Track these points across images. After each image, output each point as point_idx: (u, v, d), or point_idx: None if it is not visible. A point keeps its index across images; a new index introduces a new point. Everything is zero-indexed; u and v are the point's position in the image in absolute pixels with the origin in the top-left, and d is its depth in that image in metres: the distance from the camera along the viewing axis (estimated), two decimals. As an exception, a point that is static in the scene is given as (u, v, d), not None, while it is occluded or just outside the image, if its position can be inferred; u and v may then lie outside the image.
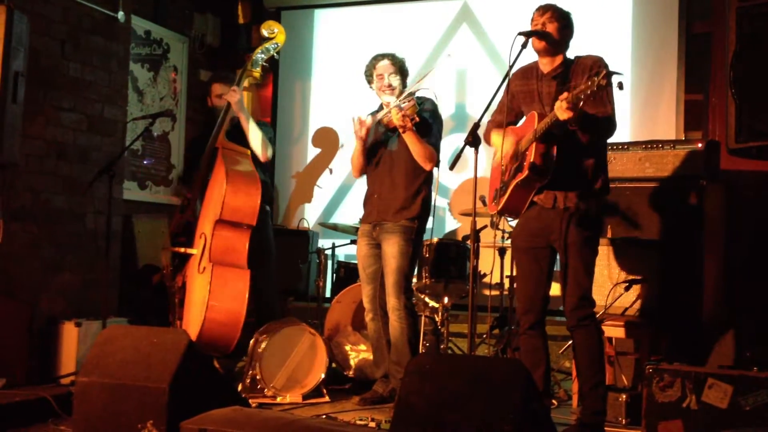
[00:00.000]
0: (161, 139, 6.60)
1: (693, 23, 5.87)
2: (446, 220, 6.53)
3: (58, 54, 4.81)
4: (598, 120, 3.49)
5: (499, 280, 5.31)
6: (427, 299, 5.23)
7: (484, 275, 5.56)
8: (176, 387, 2.98)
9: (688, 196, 4.39)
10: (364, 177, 4.58)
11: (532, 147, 3.49)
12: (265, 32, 4.79)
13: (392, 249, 4.27)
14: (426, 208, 4.39)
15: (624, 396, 3.97)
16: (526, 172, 3.51)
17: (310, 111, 7.14)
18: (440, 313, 5.05)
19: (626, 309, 4.27)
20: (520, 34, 3.54)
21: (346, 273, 5.77)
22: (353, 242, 5.49)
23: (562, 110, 3.30)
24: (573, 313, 3.57)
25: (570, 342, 4.64)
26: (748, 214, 4.67)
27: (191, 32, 6.90)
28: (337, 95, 6.88)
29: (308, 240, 6.17)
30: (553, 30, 3.59)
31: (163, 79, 6.61)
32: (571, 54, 3.68)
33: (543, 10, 3.65)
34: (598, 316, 3.94)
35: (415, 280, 4.97)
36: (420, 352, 4.54)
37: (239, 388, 4.29)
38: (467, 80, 6.60)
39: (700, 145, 4.46)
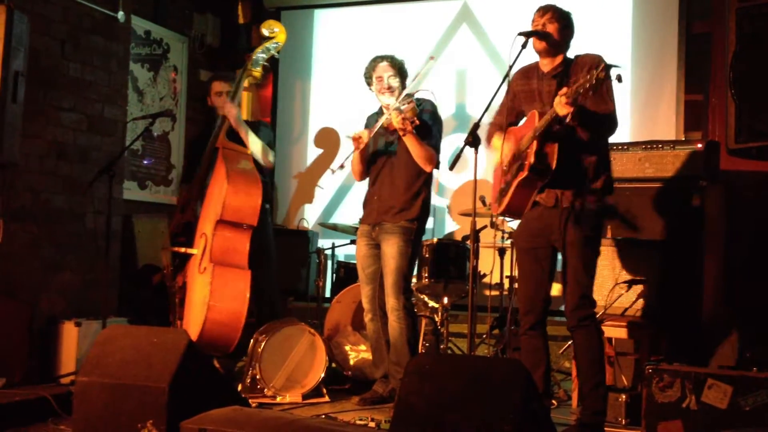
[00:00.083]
0: (161, 139, 6.60)
1: (693, 23, 5.87)
2: (446, 220, 6.53)
3: (58, 54, 4.81)
4: (598, 116, 3.49)
5: (498, 281, 5.31)
6: (426, 299, 5.24)
7: (484, 275, 5.56)
8: (176, 387, 2.98)
9: (688, 197, 4.39)
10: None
11: (533, 146, 3.49)
12: (265, 32, 4.78)
13: (391, 249, 4.27)
14: (426, 210, 4.39)
15: (624, 396, 3.97)
16: (526, 172, 3.51)
17: (310, 111, 7.14)
18: (440, 314, 5.05)
19: (626, 309, 4.27)
20: (520, 34, 3.54)
21: (346, 273, 5.78)
22: (353, 242, 5.49)
23: (561, 105, 3.30)
24: (573, 313, 3.57)
25: (570, 342, 4.66)
26: (748, 215, 4.67)
27: (191, 32, 6.90)
28: (337, 95, 6.88)
29: (308, 240, 6.18)
30: (554, 30, 3.59)
31: (163, 79, 6.61)
32: (571, 54, 3.68)
33: (543, 10, 3.65)
34: (597, 316, 3.94)
35: (414, 280, 4.97)
36: (419, 352, 4.54)
37: (239, 388, 4.29)
38: (467, 80, 6.60)
39: (700, 145, 4.46)
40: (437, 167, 4.37)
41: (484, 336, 5.41)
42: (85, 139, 5.00)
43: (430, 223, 4.51)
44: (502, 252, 5.26)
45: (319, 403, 4.33)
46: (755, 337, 4.18)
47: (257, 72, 4.76)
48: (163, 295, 4.74)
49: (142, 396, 2.98)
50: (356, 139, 4.34)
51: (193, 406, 2.96)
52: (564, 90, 3.31)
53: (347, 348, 4.91)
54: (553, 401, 4.38)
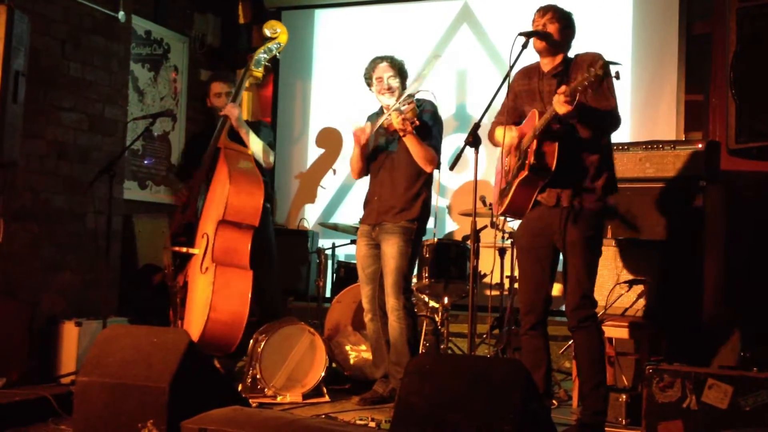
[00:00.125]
0: (161, 139, 6.60)
1: (693, 23, 5.87)
2: (446, 220, 6.53)
3: (58, 54, 4.81)
4: (599, 112, 3.48)
5: (499, 281, 5.31)
6: (427, 299, 5.24)
7: (484, 275, 5.56)
8: (176, 386, 2.97)
9: (689, 197, 4.39)
10: (365, 178, 4.58)
11: (533, 145, 3.49)
12: (267, 32, 4.79)
13: (391, 249, 4.27)
14: (426, 210, 4.39)
15: (624, 396, 3.97)
16: (526, 171, 3.51)
17: (311, 111, 7.14)
18: (440, 314, 5.05)
19: (626, 309, 4.27)
20: (520, 34, 3.54)
21: (346, 273, 5.78)
22: (353, 242, 5.49)
23: (560, 104, 3.30)
24: (574, 313, 3.56)
25: (570, 342, 4.66)
26: (749, 215, 4.67)
27: (192, 32, 6.90)
28: (338, 95, 6.88)
29: (308, 240, 6.18)
30: (554, 31, 3.59)
31: (164, 79, 6.61)
32: (572, 53, 3.68)
33: (544, 11, 3.65)
34: (598, 316, 3.94)
35: (415, 280, 4.97)
36: (420, 352, 4.54)
37: (239, 387, 4.29)
38: (468, 80, 6.60)
39: (700, 145, 4.46)
40: (438, 167, 4.37)
41: (485, 336, 5.41)
42: (85, 139, 5.00)
43: (430, 223, 4.50)
44: (502, 252, 5.26)
45: (320, 403, 4.33)
46: (755, 337, 4.18)
47: (259, 72, 4.78)
48: (163, 295, 4.74)
49: (143, 396, 2.98)
50: (358, 134, 4.34)
51: (194, 406, 2.96)
52: (563, 88, 3.32)
53: (347, 348, 4.92)
54: (554, 401, 4.38)
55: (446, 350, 5.07)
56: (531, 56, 3.71)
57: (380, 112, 4.46)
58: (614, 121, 3.55)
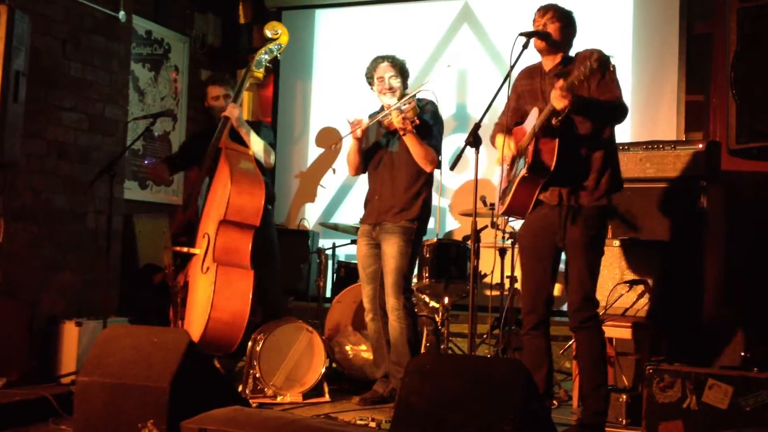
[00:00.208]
0: (162, 139, 6.60)
1: (694, 24, 5.87)
2: (447, 220, 6.53)
3: (59, 54, 4.81)
4: (603, 104, 3.47)
5: (499, 281, 5.31)
6: (427, 299, 5.24)
7: (485, 275, 5.56)
8: (177, 386, 2.97)
9: (689, 197, 4.39)
10: (365, 177, 4.58)
11: (533, 143, 3.48)
12: (268, 33, 4.80)
13: (391, 249, 4.27)
14: (426, 210, 4.39)
15: (624, 396, 3.97)
16: (526, 170, 3.51)
17: (311, 111, 7.15)
18: (440, 314, 5.05)
19: (627, 309, 4.27)
20: (521, 34, 3.54)
21: (347, 273, 5.78)
22: (353, 242, 5.49)
23: (557, 98, 3.30)
24: (575, 314, 3.56)
25: (571, 342, 4.66)
26: (749, 215, 4.67)
27: (192, 32, 6.90)
28: (338, 95, 6.88)
29: (309, 240, 6.18)
30: (555, 30, 3.59)
31: (164, 79, 6.61)
32: (573, 52, 3.68)
33: (544, 10, 3.65)
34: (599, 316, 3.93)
35: (415, 280, 4.97)
36: (420, 352, 4.53)
37: (239, 388, 4.29)
38: (468, 81, 6.60)
39: (700, 145, 4.46)
40: (438, 167, 4.37)
41: (485, 336, 5.41)
42: (86, 139, 5.00)
43: (431, 223, 4.50)
44: (502, 252, 5.26)
45: (320, 402, 4.34)
46: (756, 337, 4.18)
47: (260, 73, 4.78)
48: (164, 294, 4.74)
49: (143, 396, 2.98)
50: (357, 123, 4.34)
51: (194, 406, 2.96)
52: (560, 83, 3.32)
53: (348, 348, 4.92)
54: (554, 401, 4.38)
55: (446, 350, 5.07)
56: (532, 56, 3.70)
57: (381, 112, 4.45)
58: (621, 111, 3.52)
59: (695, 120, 5.83)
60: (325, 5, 7.15)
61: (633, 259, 4.29)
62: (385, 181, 4.39)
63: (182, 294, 4.45)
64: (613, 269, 4.32)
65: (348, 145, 4.52)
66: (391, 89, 4.39)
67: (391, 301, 4.26)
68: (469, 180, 6.32)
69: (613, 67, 3.24)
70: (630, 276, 4.30)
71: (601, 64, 3.19)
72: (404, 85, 4.44)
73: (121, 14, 5.25)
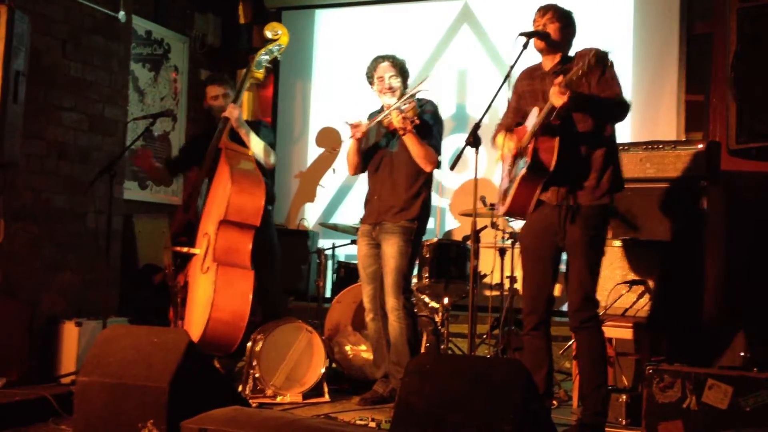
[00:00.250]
0: (162, 139, 6.60)
1: (694, 24, 5.87)
2: (446, 220, 6.53)
3: (59, 54, 4.81)
4: (603, 100, 3.47)
5: (499, 281, 5.31)
6: (427, 299, 5.23)
7: (485, 276, 5.56)
8: (177, 386, 2.98)
9: (689, 197, 4.38)
10: (365, 177, 4.58)
11: (533, 142, 3.48)
12: (268, 34, 4.80)
13: (391, 249, 4.27)
14: (426, 210, 4.39)
15: (624, 396, 3.97)
16: (526, 169, 3.50)
17: (311, 111, 7.15)
18: (440, 314, 5.05)
19: (626, 309, 4.27)
20: (521, 34, 3.54)
21: (347, 273, 5.78)
22: (353, 242, 5.49)
23: (556, 95, 3.30)
24: (576, 314, 3.56)
25: (570, 342, 4.66)
26: (749, 215, 4.67)
27: (192, 32, 6.91)
28: (338, 95, 6.89)
29: (308, 240, 6.18)
30: (554, 30, 3.59)
31: (164, 79, 6.61)
32: (573, 52, 3.68)
33: (544, 10, 3.65)
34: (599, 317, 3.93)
35: (415, 280, 4.97)
36: (420, 352, 4.54)
37: (239, 388, 4.29)
38: (468, 81, 6.60)
39: (700, 145, 4.45)
40: (438, 167, 4.37)
41: (485, 336, 5.41)
42: (85, 139, 5.00)
43: (431, 224, 4.50)
44: (502, 252, 5.26)
45: (320, 403, 4.34)
46: (756, 338, 4.18)
47: (260, 74, 4.79)
48: (164, 295, 4.74)
49: (143, 396, 2.98)
50: (356, 126, 4.34)
51: (194, 406, 2.96)
52: (558, 79, 3.32)
53: (348, 348, 4.92)
54: (554, 401, 4.38)
55: (446, 350, 5.07)
56: (532, 56, 3.70)
57: (381, 111, 4.46)
58: (622, 108, 3.51)
59: (695, 120, 5.83)
60: (325, 5, 7.15)
61: (633, 259, 4.29)
62: (385, 181, 4.39)
63: (182, 294, 4.45)
64: (613, 269, 4.32)
65: (347, 144, 4.52)
66: (391, 89, 4.39)
67: (391, 301, 4.26)
68: (468, 180, 6.32)
69: (611, 63, 3.24)
70: (630, 276, 4.30)
71: (598, 60, 3.20)
72: (404, 85, 4.44)
73: (121, 14, 5.25)
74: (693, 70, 5.85)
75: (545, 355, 3.69)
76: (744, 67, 3.70)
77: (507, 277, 5.23)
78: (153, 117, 4.88)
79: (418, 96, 4.31)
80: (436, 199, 4.55)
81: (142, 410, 2.97)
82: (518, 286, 5.17)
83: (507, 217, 4.57)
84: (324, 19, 7.17)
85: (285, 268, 5.50)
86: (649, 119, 5.96)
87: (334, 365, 4.86)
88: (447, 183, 6.44)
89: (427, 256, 5.02)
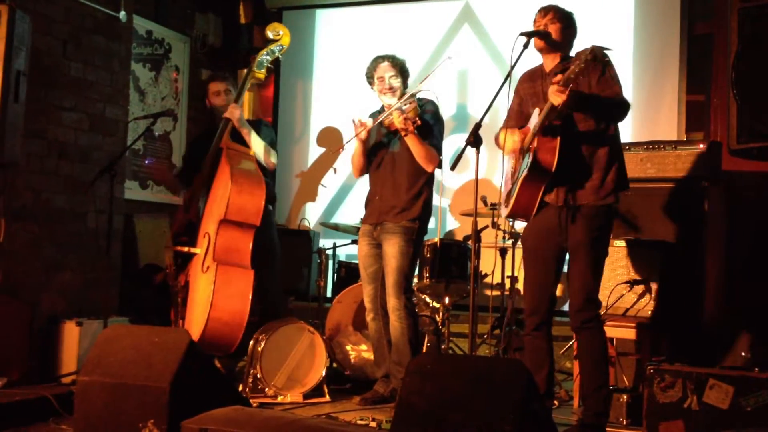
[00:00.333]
0: (162, 139, 6.60)
1: (695, 24, 5.87)
2: (447, 220, 6.53)
3: (59, 54, 4.81)
4: (603, 99, 3.47)
5: (500, 281, 5.31)
6: (428, 299, 5.23)
7: (485, 275, 5.56)
8: (177, 386, 2.97)
9: (690, 197, 4.38)
10: (366, 177, 4.58)
11: (534, 142, 3.48)
12: (270, 34, 4.80)
13: (393, 249, 4.27)
14: (427, 210, 4.39)
15: (625, 396, 3.97)
16: (528, 170, 3.50)
17: (312, 111, 7.15)
18: (441, 313, 5.05)
19: (627, 309, 4.27)
20: (521, 34, 3.54)
21: (347, 273, 5.78)
22: (354, 242, 5.49)
23: (555, 94, 3.30)
24: (577, 314, 3.55)
25: (571, 342, 4.65)
26: (749, 215, 4.67)
27: (193, 32, 6.90)
28: (339, 95, 6.89)
29: (309, 240, 6.18)
30: (555, 31, 3.59)
31: (165, 79, 6.61)
32: (573, 53, 3.67)
33: (545, 11, 3.65)
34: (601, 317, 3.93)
35: (416, 280, 4.97)
36: (421, 351, 4.54)
37: (240, 387, 4.29)
38: (468, 81, 6.60)
39: (701, 145, 4.45)
40: (439, 167, 4.37)
41: (485, 336, 5.41)
42: (86, 139, 5.00)
43: (432, 223, 4.50)
44: (503, 252, 5.26)
45: (320, 402, 4.33)
46: (756, 338, 4.18)
47: (261, 74, 4.79)
48: (164, 294, 4.74)
49: (143, 395, 2.98)
50: (361, 124, 4.33)
51: (194, 406, 2.95)
52: (557, 78, 3.33)
53: (348, 348, 4.92)
54: (555, 401, 4.38)
55: (447, 350, 5.06)
56: (533, 56, 3.70)
57: (382, 111, 4.46)
58: (622, 107, 3.50)
59: (696, 120, 5.83)
60: (325, 5, 7.15)
61: (633, 259, 4.29)
62: (386, 182, 4.39)
63: (183, 294, 4.45)
64: (613, 269, 4.32)
65: (351, 146, 4.50)
66: (391, 89, 4.39)
67: (392, 301, 4.26)
68: (469, 180, 6.32)
69: (610, 61, 3.24)
70: (630, 276, 4.29)
71: (595, 56, 3.20)
72: (404, 85, 4.44)
73: (122, 14, 5.25)
74: (694, 70, 5.85)
75: (546, 355, 3.69)
76: (745, 67, 3.70)
77: (508, 276, 5.23)
78: (154, 117, 4.88)
79: (418, 95, 4.31)
80: (436, 199, 4.53)
81: (142, 410, 2.97)
82: (519, 285, 5.17)
83: (511, 219, 4.56)
84: (325, 19, 7.17)
85: (286, 268, 5.50)
86: (650, 119, 5.96)
87: (334, 365, 4.86)
88: (448, 183, 6.44)
89: (428, 255, 5.02)
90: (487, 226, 5.10)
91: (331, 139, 6.96)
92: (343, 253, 6.27)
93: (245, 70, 4.84)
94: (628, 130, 5.81)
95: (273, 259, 4.81)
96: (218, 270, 4.22)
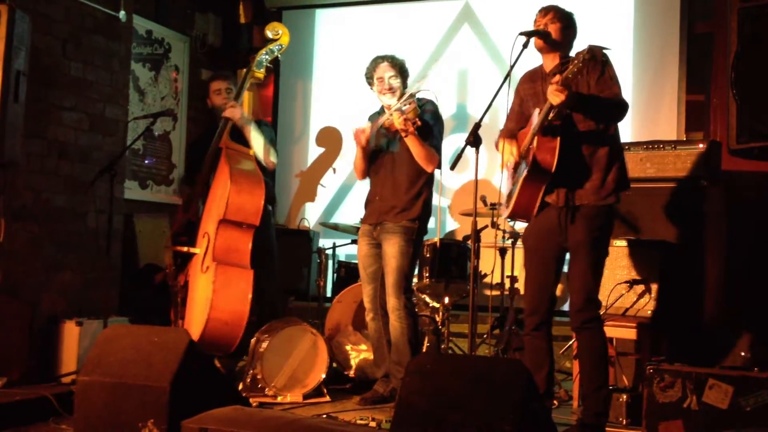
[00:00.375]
0: (162, 139, 6.60)
1: (695, 24, 5.87)
2: (447, 220, 6.54)
3: (59, 53, 4.81)
4: (598, 99, 3.46)
5: (499, 281, 5.31)
6: (427, 299, 5.24)
7: (485, 275, 5.56)
8: (177, 386, 2.98)
9: (690, 197, 4.38)
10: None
11: (534, 143, 3.48)
12: (269, 33, 4.80)
13: (392, 249, 4.27)
14: (427, 210, 4.39)
15: (625, 396, 3.97)
16: (528, 171, 3.50)
17: (311, 111, 7.15)
18: (441, 313, 5.05)
19: (627, 309, 4.27)
20: (521, 33, 3.54)
21: (347, 273, 5.78)
22: (354, 242, 5.49)
23: (553, 93, 3.30)
24: (577, 315, 3.55)
25: (571, 342, 4.65)
26: (749, 215, 4.67)
27: (192, 32, 6.91)
28: (338, 95, 6.89)
29: (309, 240, 6.18)
30: (555, 31, 3.59)
31: (165, 79, 6.61)
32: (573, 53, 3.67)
33: (545, 11, 3.64)
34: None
35: (416, 280, 4.97)
36: (421, 351, 4.54)
37: (240, 387, 4.29)
38: (468, 80, 6.60)
39: (701, 145, 4.45)
40: (439, 167, 4.37)
41: (485, 336, 5.41)
42: (86, 139, 5.00)
43: (432, 223, 4.50)
44: (503, 252, 5.26)
45: (320, 402, 4.33)
46: (756, 337, 4.18)
47: (261, 74, 4.80)
48: (164, 294, 4.74)
49: (143, 395, 2.99)
50: (358, 134, 4.34)
51: (194, 406, 2.96)
52: (555, 78, 3.33)
53: (348, 348, 4.92)
54: (554, 401, 4.38)
55: (447, 350, 5.07)
56: (533, 56, 3.70)
57: (381, 112, 4.46)
58: (620, 108, 3.50)
59: (696, 120, 5.84)
60: (325, 5, 7.15)
61: (633, 259, 4.29)
62: (386, 182, 4.39)
63: (182, 294, 4.46)
64: (613, 269, 4.32)
65: (350, 146, 4.51)
66: (390, 89, 4.39)
67: (392, 301, 4.26)
68: (469, 180, 6.32)
69: (609, 61, 3.23)
70: (630, 276, 4.29)
71: (593, 55, 3.20)
72: (404, 85, 4.44)
73: (122, 14, 5.25)
74: (693, 69, 5.86)
75: (546, 355, 3.68)
76: (744, 68, 3.71)
77: (507, 276, 5.23)
78: (153, 116, 4.88)
79: (418, 96, 4.31)
80: (436, 199, 4.54)
81: (142, 410, 2.97)
82: (519, 285, 5.18)
83: (511, 220, 4.56)
84: (324, 19, 7.17)
85: (286, 268, 5.50)
86: (650, 119, 5.96)
87: (334, 365, 4.86)
88: (447, 183, 6.44)
89: (428, 255, 5.02)
90: (486, 226, 5.10)
91: (330, 138, 6.97)
92: (342, 253, 6.27)
93: (245, 70, 4.84)
94: (628, 130, 5.81)
95: (271, 259, 4.81)
96: (218, 270, 4.22)
